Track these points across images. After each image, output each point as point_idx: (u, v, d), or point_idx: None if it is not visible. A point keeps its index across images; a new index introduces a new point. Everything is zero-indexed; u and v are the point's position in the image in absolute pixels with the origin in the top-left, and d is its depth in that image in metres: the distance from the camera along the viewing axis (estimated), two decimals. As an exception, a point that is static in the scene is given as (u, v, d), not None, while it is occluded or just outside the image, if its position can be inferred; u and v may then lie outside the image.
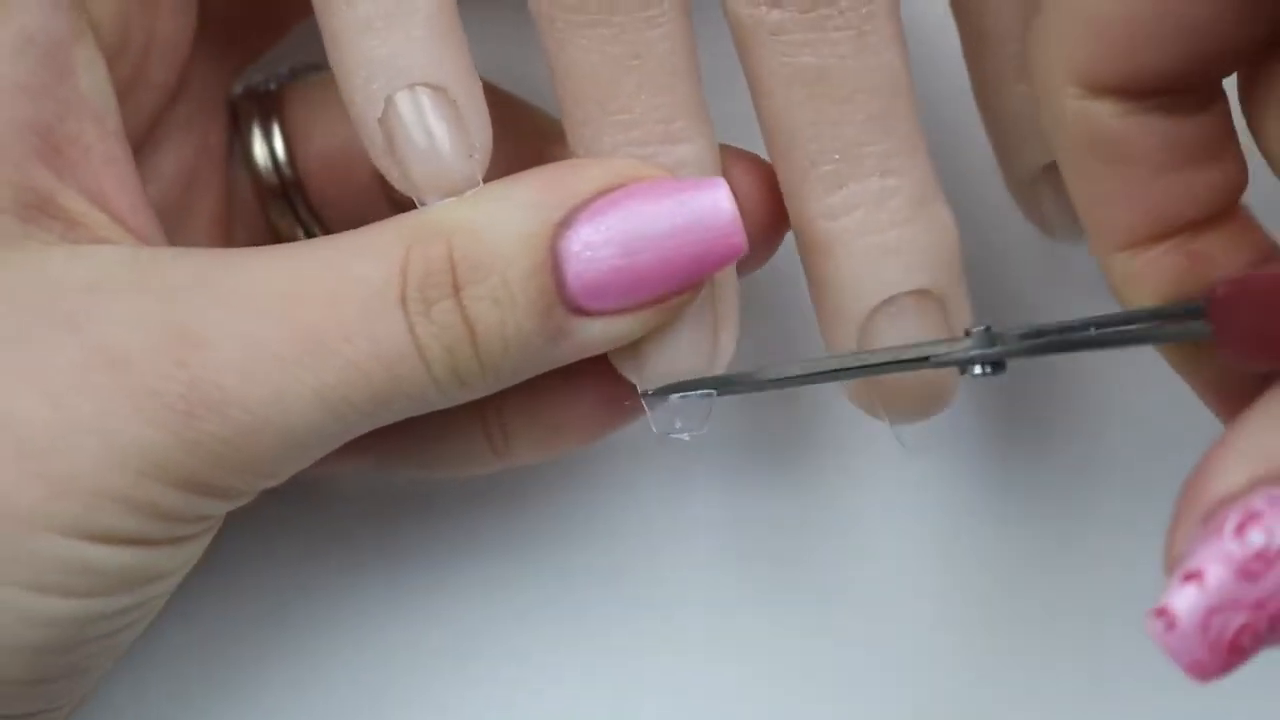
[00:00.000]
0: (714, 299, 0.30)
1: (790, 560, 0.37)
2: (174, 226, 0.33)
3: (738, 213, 0.29)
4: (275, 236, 0.35)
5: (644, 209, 0.28)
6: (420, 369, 0.28)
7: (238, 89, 0.35)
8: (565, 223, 0.28)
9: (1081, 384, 0.38)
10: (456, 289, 0.28)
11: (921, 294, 0.29)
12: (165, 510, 0.27)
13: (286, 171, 0.35)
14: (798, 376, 0.30)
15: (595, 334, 0.29)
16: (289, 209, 0.35)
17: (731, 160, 0.30)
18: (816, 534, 0.37)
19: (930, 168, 0.29)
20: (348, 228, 0.33)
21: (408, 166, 0.29)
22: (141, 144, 0.32)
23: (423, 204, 0.29)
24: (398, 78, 0.29)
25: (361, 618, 0.37)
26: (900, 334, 0.29)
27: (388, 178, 0.29)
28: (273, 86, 0.35)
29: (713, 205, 0.28)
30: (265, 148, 0.35)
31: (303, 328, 0.27)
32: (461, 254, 0.28)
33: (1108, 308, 0.29)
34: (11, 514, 0.26)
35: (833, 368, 0.29)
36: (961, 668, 0.37)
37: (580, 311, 0.28)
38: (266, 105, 0.35)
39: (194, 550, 0.29)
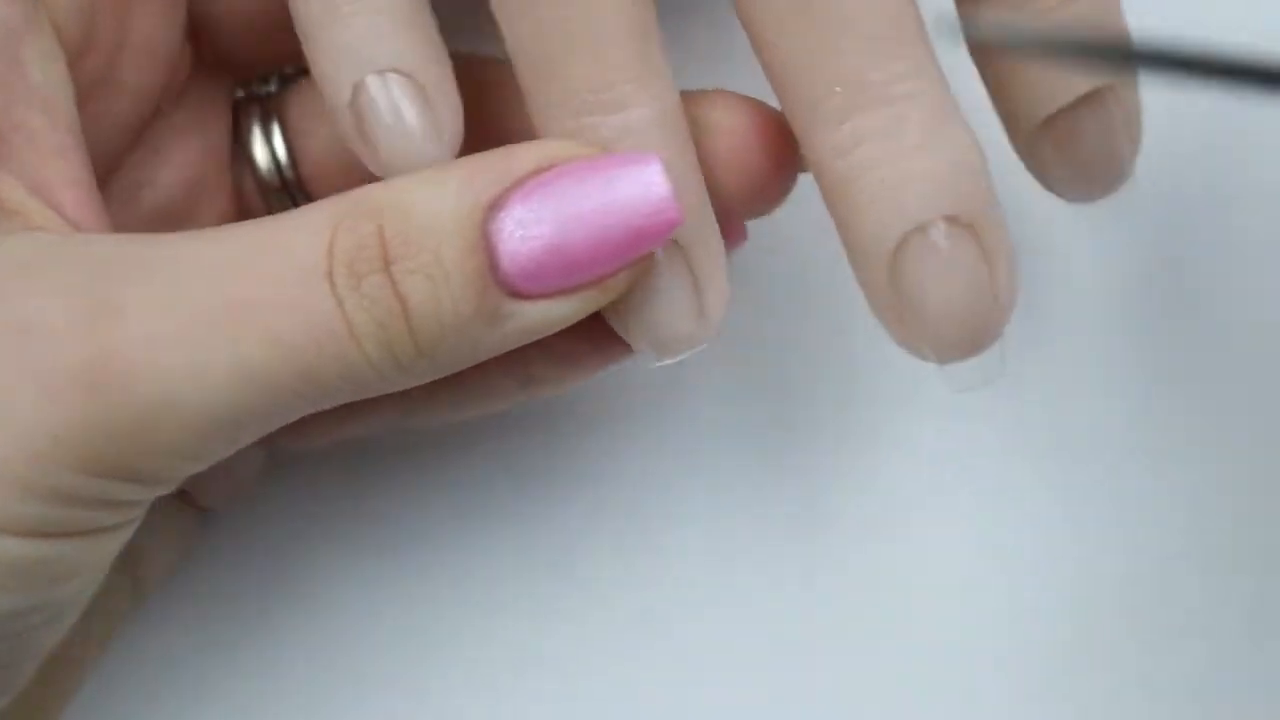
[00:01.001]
0: (688, 261, 0.29)
1: (804, 539, 0.37)
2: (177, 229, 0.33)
3: (671, 187, 0.28)
4: None
5: (574, 188, 0.28)
6: (351, 346, 0.27)
7: (238, 92, 0.35)
8: (496, 204, 0.27)
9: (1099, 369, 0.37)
10: (387, 263, 0.27)
11: (949, 220, 0.28)
12: (68, 495, 0.26)
13: (289, 173, 0.34)
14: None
15: (535, 317, 0.28)
16: (290, 205, 0.35)
17: (720, 106, 0.30)
18: (828, 510, 0.37)
19: (944, 89, 0.28)
20: None
21: (377, 148, 0.29)
22: (132, 148, 0.32)
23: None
24: (366, 64, 0.29)
25: (355, 606, 0.37)
26: (933, 269, 0.28)
27: (362, 160, 0.30)
28: (273, 88, 0.35)
29: (643, 182, 0.28)
30: (266, 149, 0.34)
31: (223, 299, 0.26)
32: (393, 231, 0.27)
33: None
34: None
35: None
36: (977, 654, 0.36)
37: (517, 294, 0.28)
38: (267, 106, 0.35)
39: (108, 546, 0.28)
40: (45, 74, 0.29)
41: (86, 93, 0.30)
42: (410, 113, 0.29)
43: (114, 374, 0.26)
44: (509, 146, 0.28)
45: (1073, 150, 0.32)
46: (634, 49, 0.29)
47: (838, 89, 0.28)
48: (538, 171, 0.28)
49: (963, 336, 0.29)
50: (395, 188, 0.28)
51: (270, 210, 0.35)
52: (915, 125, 0.28)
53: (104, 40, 0.31)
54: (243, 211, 0.35)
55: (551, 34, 0.28)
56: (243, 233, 0.28)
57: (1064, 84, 0.32)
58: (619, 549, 0.37)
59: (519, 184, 0.28)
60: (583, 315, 0.28)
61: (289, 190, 0.35)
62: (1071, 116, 0.32)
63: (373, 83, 0.29)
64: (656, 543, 0.37)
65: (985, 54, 0.33)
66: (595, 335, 0.31)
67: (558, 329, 0.28)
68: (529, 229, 0.27)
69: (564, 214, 0.27)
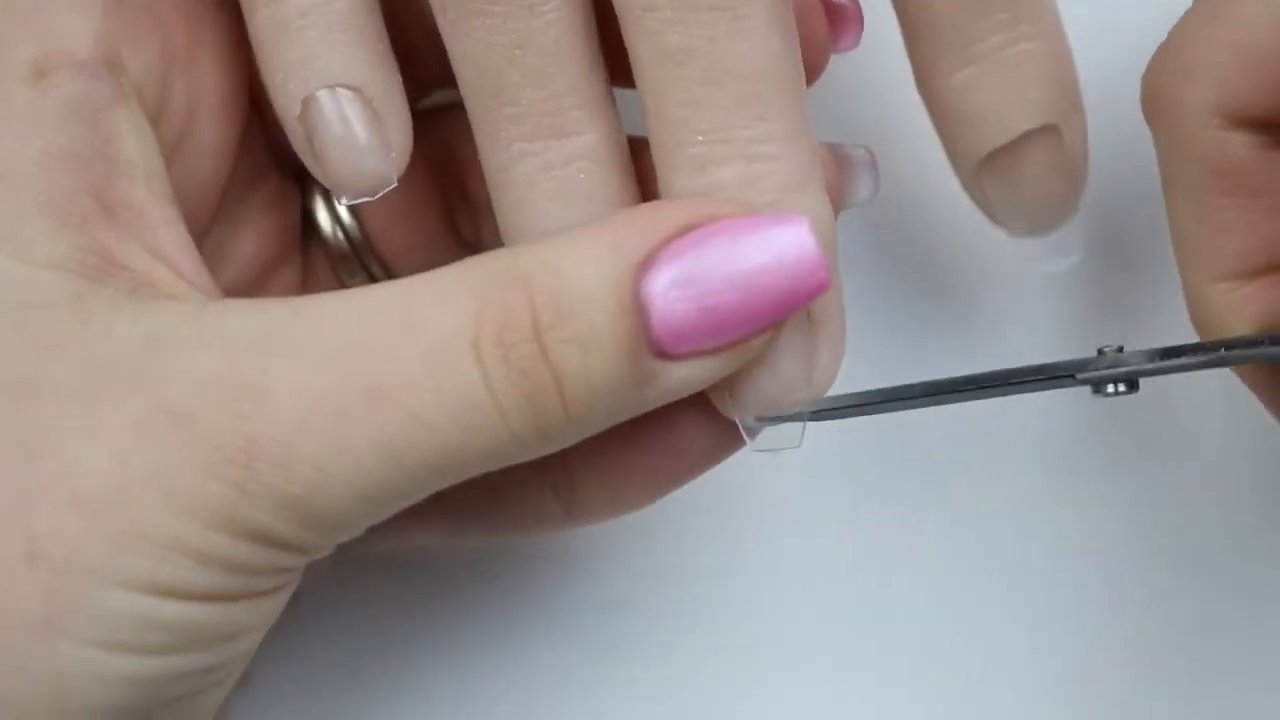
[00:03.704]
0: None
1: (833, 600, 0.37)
2: None
3: (821, 248, 0.27)
4: None
5: (727, 248, 0.27)
6: (495, 419, 0.27)
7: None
8: (646, 264, 0.27)
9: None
10: (537, 332, 0.27)
11: None
12: (238, 562, 0.27)
13: (354, 233, 0.34)
14: (904, 399, 0.29)
15: (680, 378, 0.28)
16: (360, 267, 0.34)
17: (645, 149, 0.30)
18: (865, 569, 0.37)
19: (807, 158, 0.28)
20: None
21: (325, 162, 0.30)
22: (215, 218, 0.32)
23: (340, 200, 0.30)
24: (314, 78, 0.29)
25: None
26: None
27: (312, 173, 0.30)
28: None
29: (797, 241, 0.27)
30: (328, 212, 0.34)
31: (363, 378, 0.26)
32: (545, 296, 0.27)
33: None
34: (80, 568, 0.26)
35: (955, 389, 0.29)
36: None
37: (664, 355, 0.27)
38: None
39: (274, 605, 0.28)
40: (139, 146, 0.29)
41: (169, 156, 0.30)
42: (359, 128, 0.30)
43: (268, 456, 0.26)
44: (652, 204, 0.28)
45: (1016, 186, 0.33)
46: (582, 75, 0.29)
47: (699, 138, 0.28)
48: (684, 230, 0.27)
49: (765, 401, 0.29)
50: (540, 251, 0.27)
51: (339, 281, 0.35)
52: (769, 186, 0.28)
53: (178, 101, 0.31)
54: (311, 284, 0.35)
55: (499, 56, 0.28)
56: (381, 303, 0.27)
57: (1007, 120, 0.32)
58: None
59: (667, 243, 0.27)
60: (723, 375, 0.28)
61: (355, 249, 0.34)
62: (1015, 152, 0.32)
63: (323, 97, 0.29)
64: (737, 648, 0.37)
65: (927, 91, 0.33)
66: (647, 460, 0.31)
67: (698, 390, 0.28)
68: (682, 290, 0.27)
69: (717, 274, 0.27)
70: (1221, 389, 0.33)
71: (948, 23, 0.32)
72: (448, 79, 0.30)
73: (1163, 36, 0.30)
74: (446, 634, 0.37)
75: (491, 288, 0.27)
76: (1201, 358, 0.28)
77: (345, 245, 0.34)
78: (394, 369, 0.26)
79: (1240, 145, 0.28)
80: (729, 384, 0.28)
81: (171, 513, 0.26)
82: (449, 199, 0.34)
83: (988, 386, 0.28)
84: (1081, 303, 0.37)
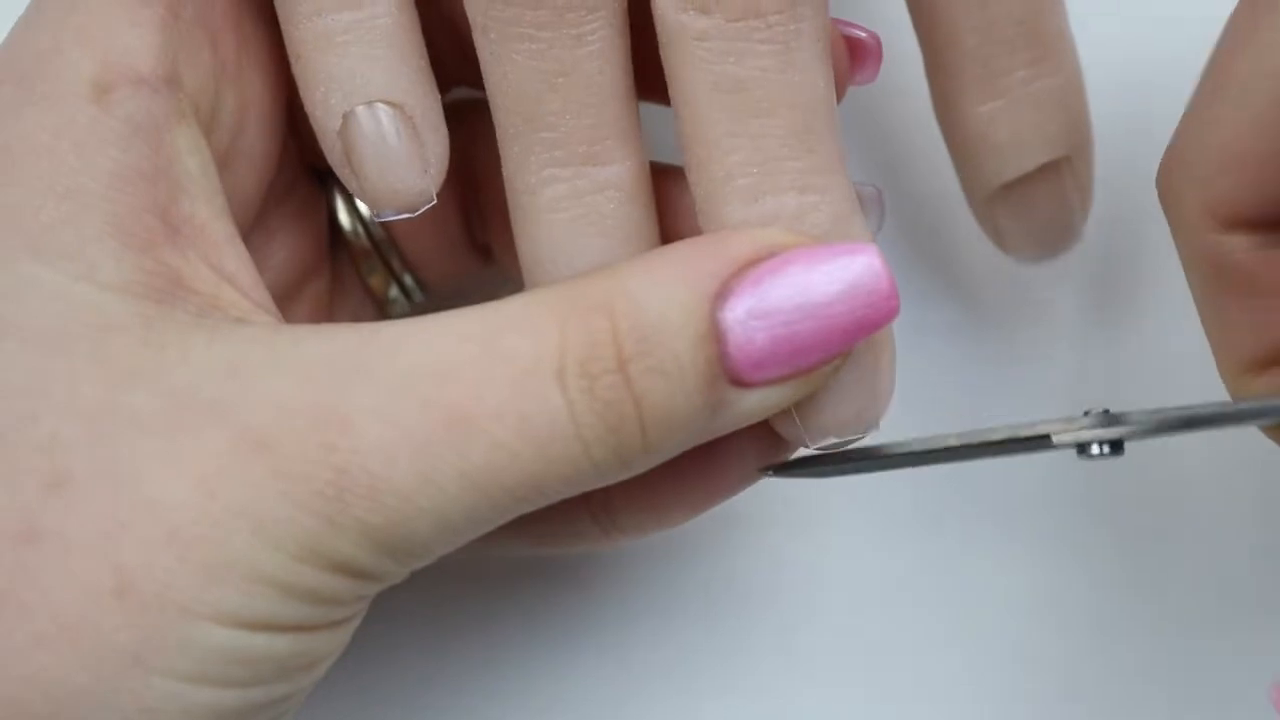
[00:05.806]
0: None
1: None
2: (282, 309, 0.32)
3: (892, 274, 0.28)
4: (368, 293, 0.35)
5: (802, 277, 0.27)
6: (577, 448, 0.27)
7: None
8: (723, 293, 0.27)
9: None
10: (622, 363, 0.27)
11: None
12: (323, 594, 0.27)
13: (376, 229, 0.34)
14: (918, 454, 0.29)
15: (753, 405, 0.28)
16: (380, 265, 0.35)
17: (668, 177, 0.30)
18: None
19: (851, 191, 0.29)
20: (440, 276, 0.34)
21: (364, 178, 0.30)
22: (252, 229, 0.32)
23: (377, 216, 0.30)
24: (355, 94, 0.29)
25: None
26: None
27: (348, 188, 0.30)
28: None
29: (869, 269, 0.27)
30: (348, 210, 0.34)
31: (448, 408, 0.26)
32: (629, 324, 0.27)
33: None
34: (171, 602, 0.26)
35: (947, 446, 0.29)
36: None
37: (740, 383, 0.27)
38: None
39: (348, 632, 0.28)
40: (198, 162, 0.29)
41: (220, 169, 0.30)
42: (397, 144, 0.29)
43: (357, 488, 0.26)
44: (720, 233, 0.28)
45: (1028, 215, 0.34)
46: (619, 108, 0.29)
47: (754, 169, 0.28)
48: (754, 260, 0.27)
49: (835, 425, 0.29)
50: (619, 278, 0.27)
51: (361, 278, 0.35)
52: (822, 217, 0.28)
53: (228, 113, 0.31)
54: (338, 287, 0.35)
55: (541, 82, 0.29)
56: (461, 331, 0.27)
57: (1027, 152, 0.33)
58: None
59: (744, 272, 0.27)
60: (791, 403, 0.28)
61: (378, 248, 0.35)
62: (1028, 183, 0.33)
63: (362, 113, 0.29)
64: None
65: (946, 122, 0.34)
66: (683, 481, 0.31)
67: (766, 416, 0.28)
68: (759, 319, 0.27)
69: (792, 303, 0.27)
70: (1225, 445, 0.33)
71: (975, 57, 0.33)
72: (468, 79, 0.30)
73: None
74: (471, 637, 0.37)
75: (574, 316, 0.27)
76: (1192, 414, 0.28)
77: (367, 243, 0.35)
78: (478, 397, 0.26)
79: (1237, 247, 0.28)
80: (797, 410, 0.29)
81: (261, 545, 0.26)
82: (465, 198, 0.35)
83: (967, 449, 0.28)
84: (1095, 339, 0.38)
